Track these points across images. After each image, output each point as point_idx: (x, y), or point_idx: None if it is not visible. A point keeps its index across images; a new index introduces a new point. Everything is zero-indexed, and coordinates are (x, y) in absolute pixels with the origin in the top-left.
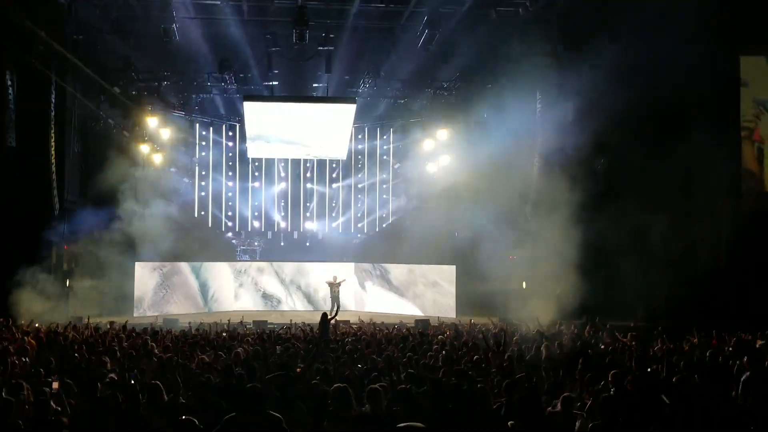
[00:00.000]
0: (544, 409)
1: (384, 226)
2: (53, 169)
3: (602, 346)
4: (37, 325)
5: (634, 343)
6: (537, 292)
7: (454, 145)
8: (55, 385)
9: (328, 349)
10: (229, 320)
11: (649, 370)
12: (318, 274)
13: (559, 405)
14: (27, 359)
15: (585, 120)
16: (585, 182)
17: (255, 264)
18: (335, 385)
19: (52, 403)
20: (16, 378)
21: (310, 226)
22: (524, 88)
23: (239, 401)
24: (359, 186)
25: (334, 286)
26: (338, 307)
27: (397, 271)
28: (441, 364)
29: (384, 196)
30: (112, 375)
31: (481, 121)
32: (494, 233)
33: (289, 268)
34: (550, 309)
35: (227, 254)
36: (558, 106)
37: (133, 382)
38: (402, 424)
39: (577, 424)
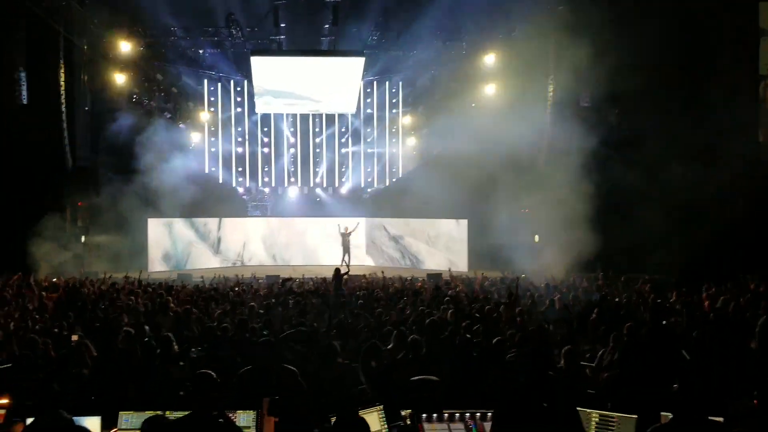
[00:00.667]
0: (556, 362)
1: (394, 180)
2: (64, 125)
3: (617, 299)
4: (55, 279)
5: (652, 295)
6: (549, 244)
7: (463, 97)
8: (75, 338)
9: (341, 303)
10: (241, 275)
11: (665, 322)
12: (329, 229)
13: (562, 360)
14: (47, 315)
15: (599, 66)
16: (599, 131)
17: (265, 219)
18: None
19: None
20: (36, 333)
21: (320, 181)
22: (537, 36)
23: (254, 354)
24: (368, 140)
25: (345, 237)
26: (349, 258)
27: (408, 225)
28: (453, 317)
29: (393, 151)
30: (128, 329)
31: (491, 72)
32: (506, 186)
33: (299, 223)
34: (563, 262)
35: (238, 210)
36: (571, 52)
37: (146, 336)
38: (416, 377)
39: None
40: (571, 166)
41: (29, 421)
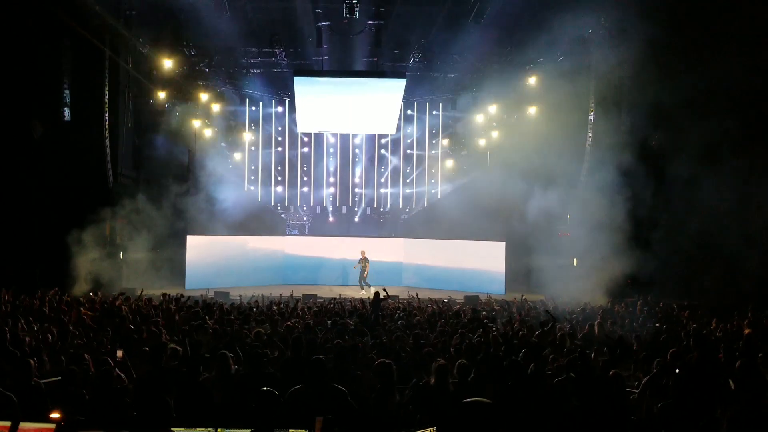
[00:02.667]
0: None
1: (433, 202)
2: (107, 143)
3: (657, 324)
4: (91, 294)
5: (691, 321)
6: (587, 269)
7: (504, 119)
8: (119, 353)
9: (379, 324)
10: (280, 294)
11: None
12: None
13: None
14: (83, 329)
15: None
16: (639, 159)
17: (304, 239)
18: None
19: (116, 371)
20: (76, 348)
21: (358, 201)
22: (580, 62)
23: (298, 374)
24: (408, 161)
25: (362, 262)
26: (366, 284)
27: (446, 247)
28: (494, 340)
29: (433, 170)
30: (174, 345)
31: (532, 95)
32: (546, 209)
33: (337, 243)
34: (601, 286)
35: (276, 229)
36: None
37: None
38: (469, 399)
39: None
40: (610, 190)
41: None
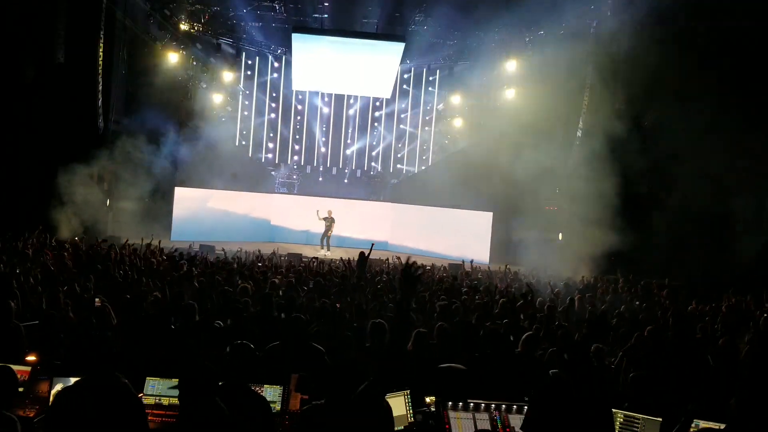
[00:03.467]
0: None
1: (424, 168)
2: (99, 87)
3: (636, 302)
4: (76, 239)
5: (667, 301)
6: (572, 243)
7: (498, 92)
8: (98, 301)
9: (360, 287)
10: (261, 251)
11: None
12: (355, 211)
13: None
14: (66, 274)
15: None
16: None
17: (292, 197)
18: (372, 321)
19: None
20: (57, 292)
21: (350, 163)
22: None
23: (277, 331)
24: (401, 126)
25: (327, 221)
26: (328, 245)
27: (433, 214)
28: (474, 308)
29: (425, 136)
30: (157, 293)
31: (529, 65)
32: (535, 182)
33: (326, 203)
34: (585, 262)
35: (265, 186)
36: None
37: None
38: (443, 365)
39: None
40: (600, 165)
41: (56, 381)
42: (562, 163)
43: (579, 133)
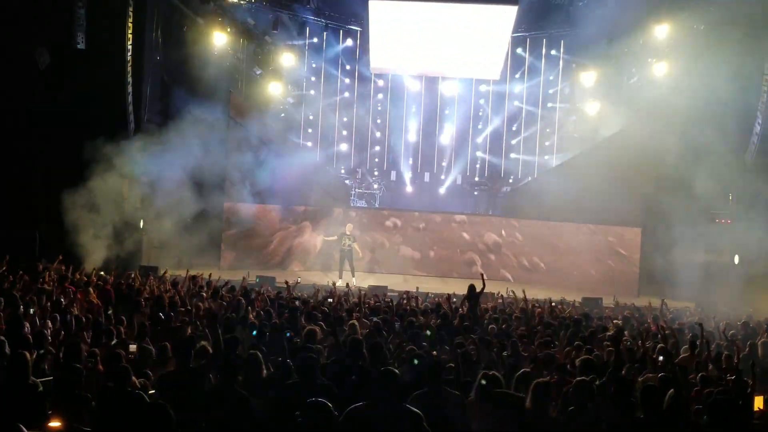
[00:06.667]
0: None
1: (546, 171)
2: (129, 79)
3: None
4: (102, 273)
5: None
6: (752, 268)
7: (645, 70)
8: (133, 348)
9: (468, 329)
10: (334, 283)
11: None
12: (454, 228)
13: None
14: (92, 316)
15: None
16: None
17: (373, 212)
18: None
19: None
20: (81, 340)
21: (447, 167)
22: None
23: (358, 388)
24: (514, 117)
25: (345, 239)
26: (353, 269)
27: (559, 232)
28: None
29: (548, 130)
30: (205, 343)
31: (688, 31)
32: (701, 187)
33: (418, 219)
34: None
35: (338, 198)
36: None
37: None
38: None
39: None
40: None
41: None
42: (738, 163)
43: (758, 124)
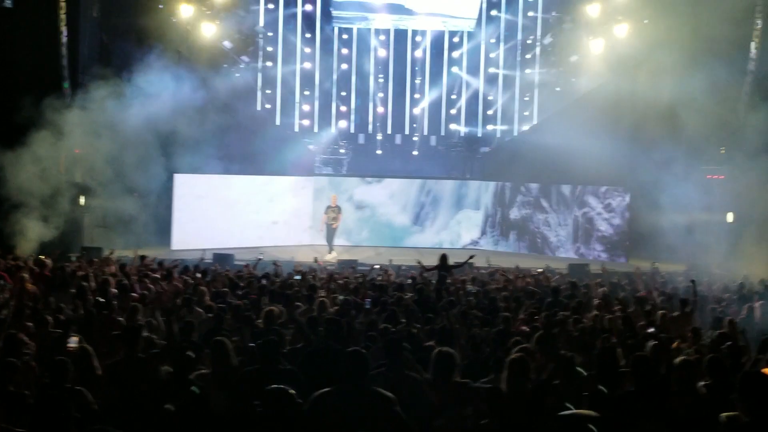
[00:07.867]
0: None
1: (525, 130)
2: (63, 37)
3: None
4: (42, 257)
5: None
6: (749, 228)
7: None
8: (74, 340)
9: (441, 303)
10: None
11: None
12: (433, 194)
13: None
14: (29, 304)
15: None
16: None
17: (340, 179)
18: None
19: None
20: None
21: (420, 126)
22: None
23: (326, 371)
24: (491, 71)
25: (329, 212)
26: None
27: (542, 194)
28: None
29: (528, 81)
30: (149, 335)
31: None
32: (687, 142)
33: (388, 186)
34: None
35: (301, 165)
36: None
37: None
38: (565, 412)
39: None
40: None
41: None
42: (731, 114)
43: (751, 67)
